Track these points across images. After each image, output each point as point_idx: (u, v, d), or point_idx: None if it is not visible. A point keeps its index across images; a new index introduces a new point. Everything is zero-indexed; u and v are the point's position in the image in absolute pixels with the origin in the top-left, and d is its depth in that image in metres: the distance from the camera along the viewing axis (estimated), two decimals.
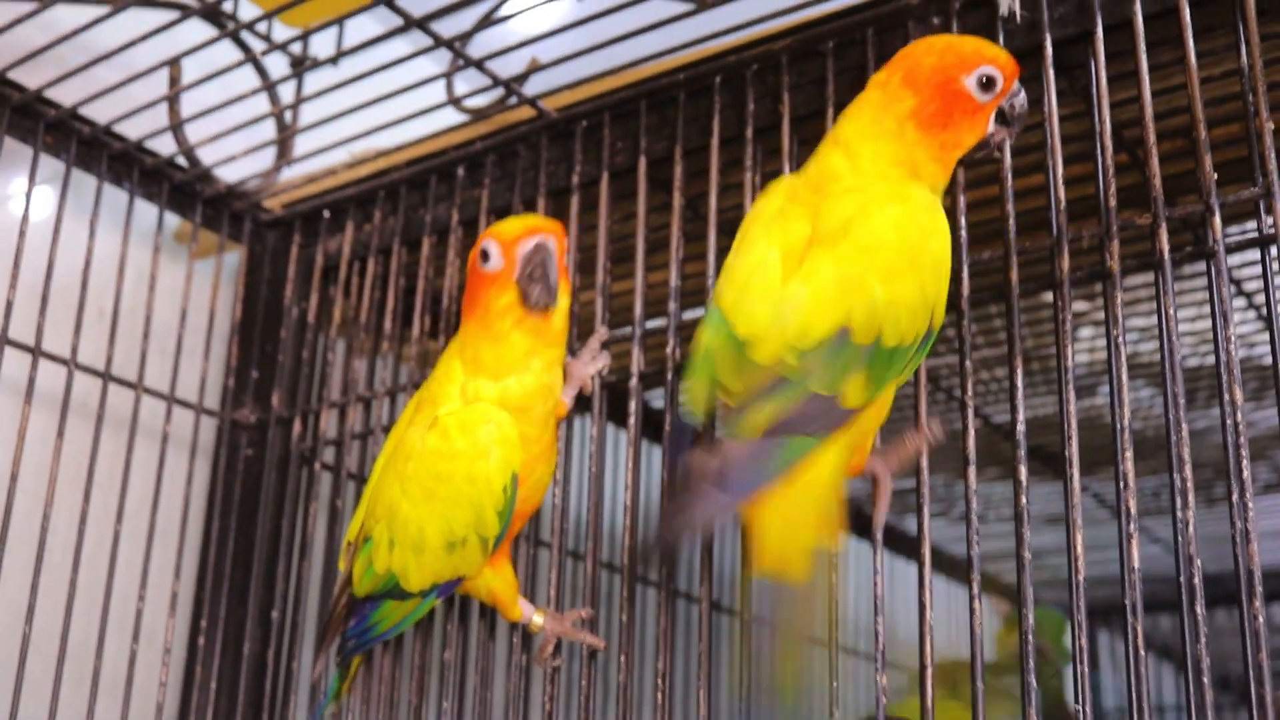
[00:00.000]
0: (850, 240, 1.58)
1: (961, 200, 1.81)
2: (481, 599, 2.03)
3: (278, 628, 2.50)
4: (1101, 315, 2.92)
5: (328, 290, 2.76)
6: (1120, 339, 1.62)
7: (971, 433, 1.70)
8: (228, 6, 2.66)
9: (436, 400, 1.95)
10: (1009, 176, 1.78)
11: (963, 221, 1.80)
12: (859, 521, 1.80)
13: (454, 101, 2.40)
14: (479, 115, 2.40)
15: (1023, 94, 1.66)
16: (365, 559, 1.99)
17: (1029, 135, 2.09)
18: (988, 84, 1.63)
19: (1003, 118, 1.66)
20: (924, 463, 1.75)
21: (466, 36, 2.20)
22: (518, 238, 1.89)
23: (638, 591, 2.89)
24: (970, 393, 1.72)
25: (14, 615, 2.25)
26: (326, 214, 2.73)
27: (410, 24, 2.08)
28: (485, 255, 1.90)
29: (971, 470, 1.68)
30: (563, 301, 1.92)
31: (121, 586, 2.41)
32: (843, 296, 1.57)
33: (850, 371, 1.57)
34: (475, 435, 1.88)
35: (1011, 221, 1.76)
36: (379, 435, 2.45)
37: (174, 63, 2.35)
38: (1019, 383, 1.67)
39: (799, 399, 1.58)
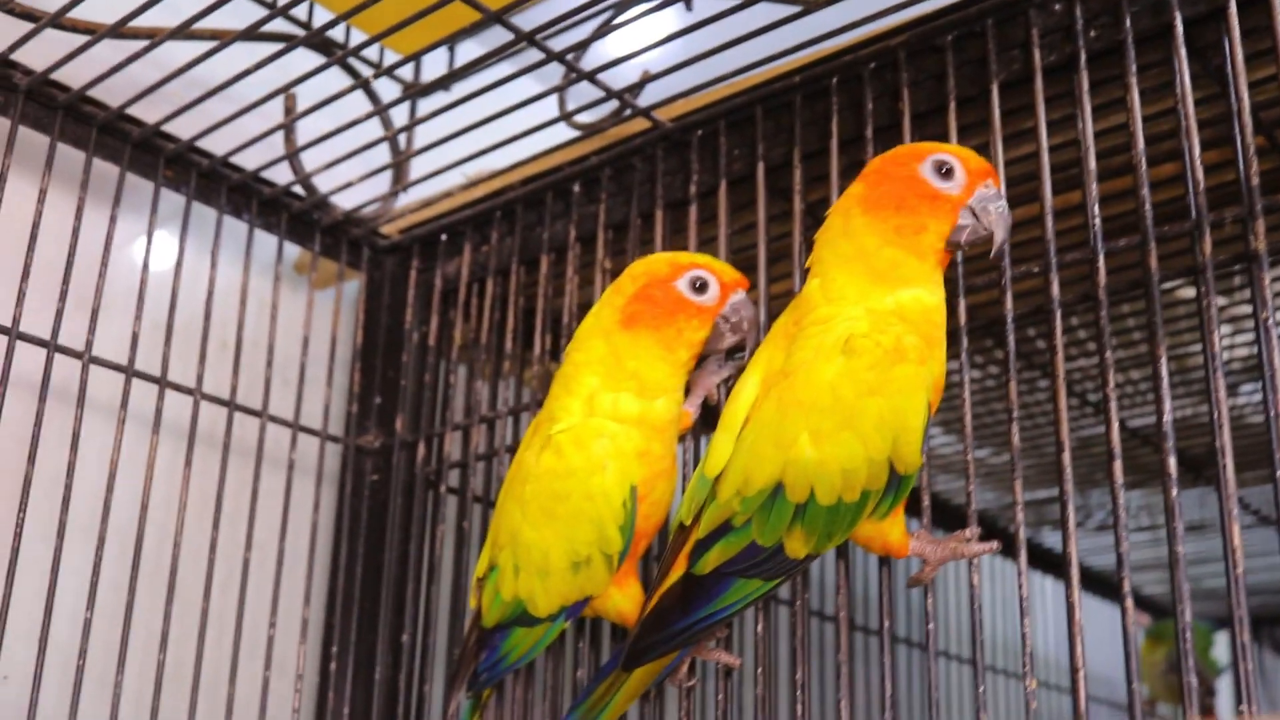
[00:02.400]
0: (794, 391, 1.62)
1: (1094, 189, 1.74)
2: (610, 619, 1.98)
3: (408, 652, 2.49)
4: (1238, 311, 2.83)
5: (447, 313, 2.75)
6: (1270, 321, 1.55)
7: (1115, 428, 1.63)
8: (336, 34, 2.68)
9: (554, 417, 1.93)
10: (1143, 161, 1.70)
11: (1096, 210, 1.73)
12: (998, 536, 1.74)
13: (566, 117, 2.38)
14: (592, 130, 2.38)
15: (1001, 201, 1.66)
16: (492, 588, 1.96)
17: (1161, 122, 2.02)
18: (945, 171, 1.64)
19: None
20: (1068, 473, 1.68)
21: (580, 48, 2.18)
22: (735, 284, 1.92)
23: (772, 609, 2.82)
24: (1111, 385, 1.64)
25: (149, 643, 2.27)
26: (444, 237, 2.72)
27: (521, 38, 2.06)
28: (702, 285, 1.90)
29: (1118, 465, 1.61)
30: None
31: (252, 614, 2.42)
32: (779, 451, 1.61)
33: (788, 525, 1.62)
34: (590, 450, 1.85)
35: (1148, 206, 1.68)
36: (503, 456, 2.43)
37: (286, 91, 2.36)
38: (1163, 371, 1.59)
39: (741, 544, 1.65)
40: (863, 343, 1.58)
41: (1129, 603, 1.57)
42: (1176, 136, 1.70)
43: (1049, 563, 4.92)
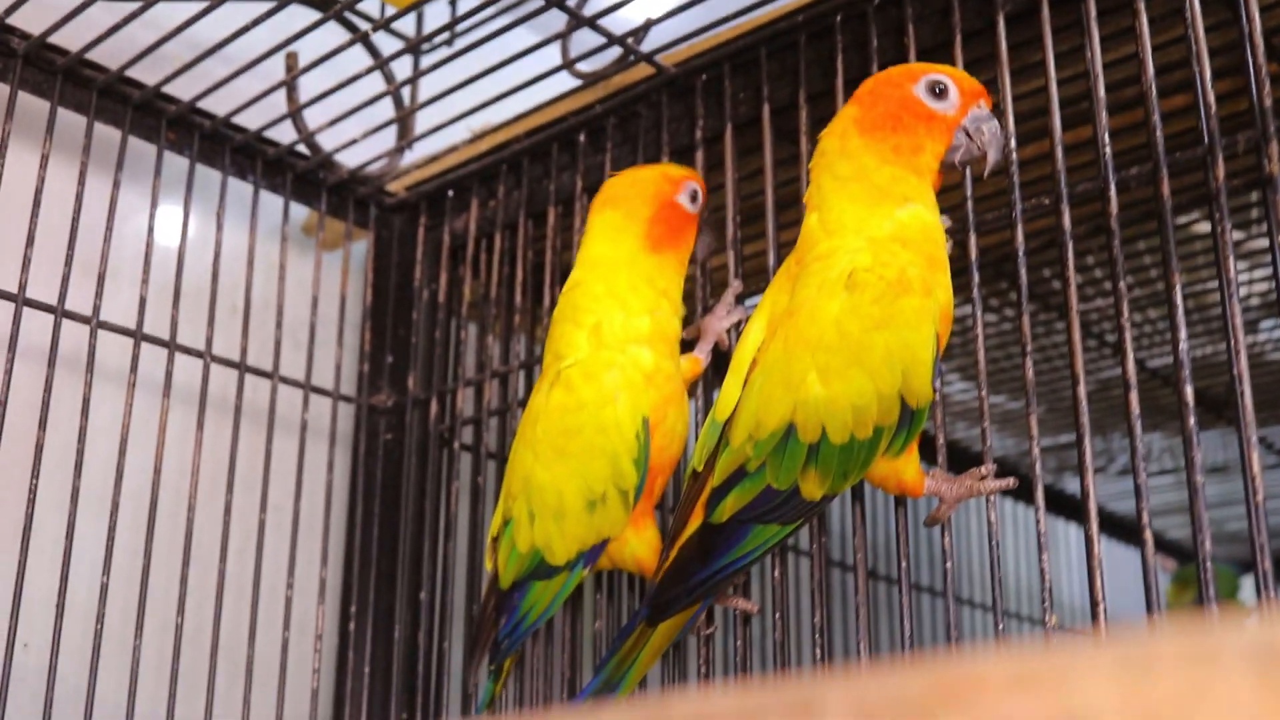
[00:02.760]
0: (799, 330, 1.60)
1: (1104, 118, 1.71)
2: (628, 568, 1.96)
3: (426, 610, 2.48)
4: (1254, 246, 2.79)
5: (456, 269, 2.73)
6: None
7: (1130, 359, 1.61)
8: None
9: (560, 354, 1.91)
10: (1153, 87, 1.67)
11: (1106, 139, 1.71)
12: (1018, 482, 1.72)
13: (569, 65, 2.35)
14: (596, 78, 2.35)
15: (994, 121, 1.67)
16: (508, 543, 1.93)
17: (1171, 51, 1.99)
18: (939, 91, 1.65)
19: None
20: (1084, 406, 1.65)
21: None
22: (686, 180, 2.02)
23: (790, 559, 2.83)
24: (1126, 314, 1.62)
25: (166, 608, 2.26)
26: (450, 193, 2.70)
27: None
28: (695, 196, 2.01)
29: (1134, 395, 1.59)
30: None
31: (270, 576, 2.41)
32: (788, 392, 1.59)
33: (802, 467, 1.60)
34: (600, 381, 1.83)
35: (1159, 132, 1.65)
36: (516, 411, 2.42)
37: (287, 49, 2.33)
38: (1178, 298, 1.57)
39: (757, 490, 1.63)
40: (865, 276, 1.56)
41: (1148, 534, 1.55)
42: (1187, 66, 1.67)
43: (1072, 510, 4.90)
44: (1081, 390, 1.64)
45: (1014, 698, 0.46)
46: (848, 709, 0.50)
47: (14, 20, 2.18)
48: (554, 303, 2.38)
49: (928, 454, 1.70)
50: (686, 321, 2.11)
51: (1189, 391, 1.53)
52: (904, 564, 1.78)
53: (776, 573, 1.91)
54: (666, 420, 1.86)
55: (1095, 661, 0.46)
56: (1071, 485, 4.83)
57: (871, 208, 1.64)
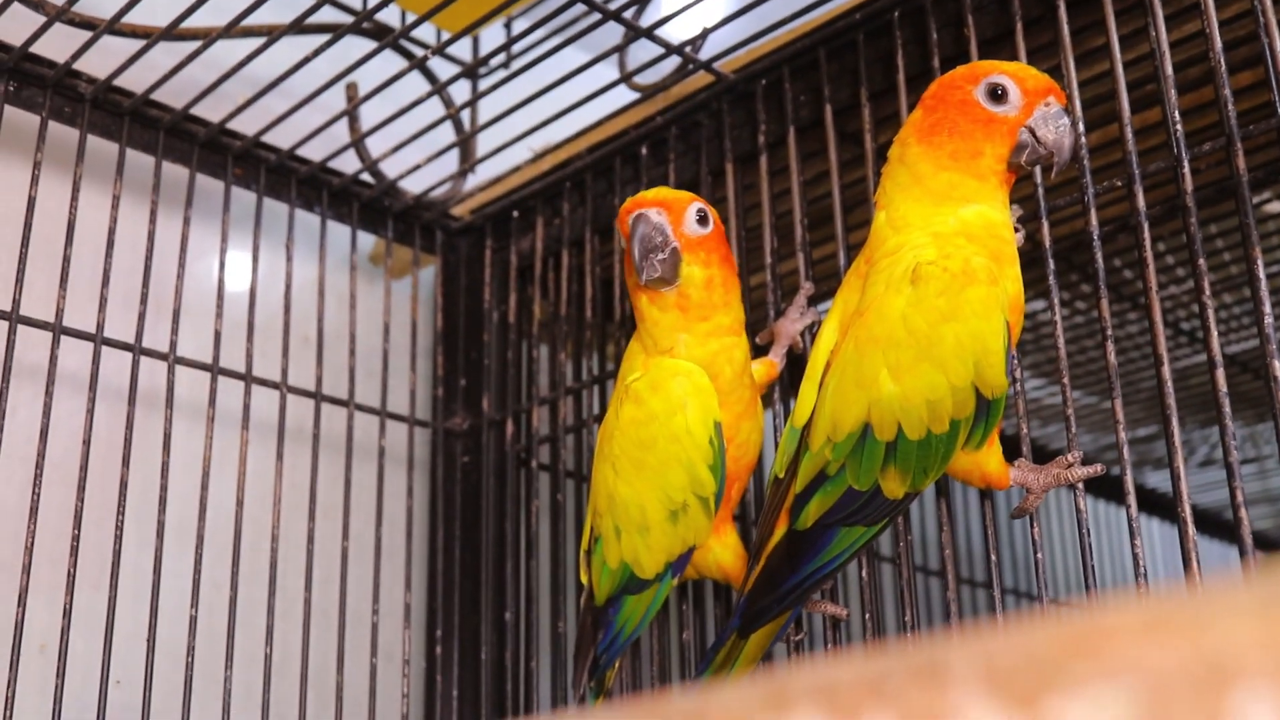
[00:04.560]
0: (868, 329, 1.59)
1: (1173, 95, 1.69)
2: (712, 576, 1.95)
3: (512, 630, 2.48)
4: None
5: (525, 290, 2.74)
6: None
7: (1215, 337, 1.58)
8: (392, 20, 2.67)
9: (624, 376, 1.91)
10: (1221, 61, 1.65)
11: (1176, 115, 1.69)
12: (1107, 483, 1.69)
13: (627, 78, 2.35)
14: (655, 90, 2.35)
15: (1063, 119, 1.61)
16: (599, 560, 1.93)
17: (1236, 28, 1.96)
18: (999, 94, 1.61)
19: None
20: (1169, 389, 1.63)
21: (637, 3, 2.15)
22: (625, 215, 1.82)
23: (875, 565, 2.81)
24: (1207, 291, 1.60)
25: (254, 639, 2.27)
26: (515, 214, 2.70)
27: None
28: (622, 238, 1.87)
29: (1220, 373, 1.56)
30: (693, 272, 1.78)
31: (355, 603, 2.42)
32: (861, 392, 1.58)
33: (881, 466, 1.59)
34: (668, 390, 1.81)
35: (1230, 106, 1.63)
36: (592, 427, 2.42)
37: (345, 80, 2.35)
38: (1260, 271, 1.54)
39: (839, 492, 1.63)
40: (929, 269, 1.55)
41: (1244, 513, 1.52)
42: (1254, 40, 1.65)
43: (1153, 504, 4.83)
44: (1166, 371, 1.62)
45: (1148, 644, 0.45)
46: (976, 669, 0.49)
47: (79, 66, 2.21)
48: (624, 317, 2.39)
49: (1009, 452, 1.68)
50: (760, 326, 2.11)
51: (1277, 366, 1.51)
52: (993, 557, 1.76)
53: (864, 573, 1.89)
54: (740, 434, 1.85)
55: (1232, 602, 0.45)
56: (1152, 479, 4.76)
57: (935, 207, 1.63)
